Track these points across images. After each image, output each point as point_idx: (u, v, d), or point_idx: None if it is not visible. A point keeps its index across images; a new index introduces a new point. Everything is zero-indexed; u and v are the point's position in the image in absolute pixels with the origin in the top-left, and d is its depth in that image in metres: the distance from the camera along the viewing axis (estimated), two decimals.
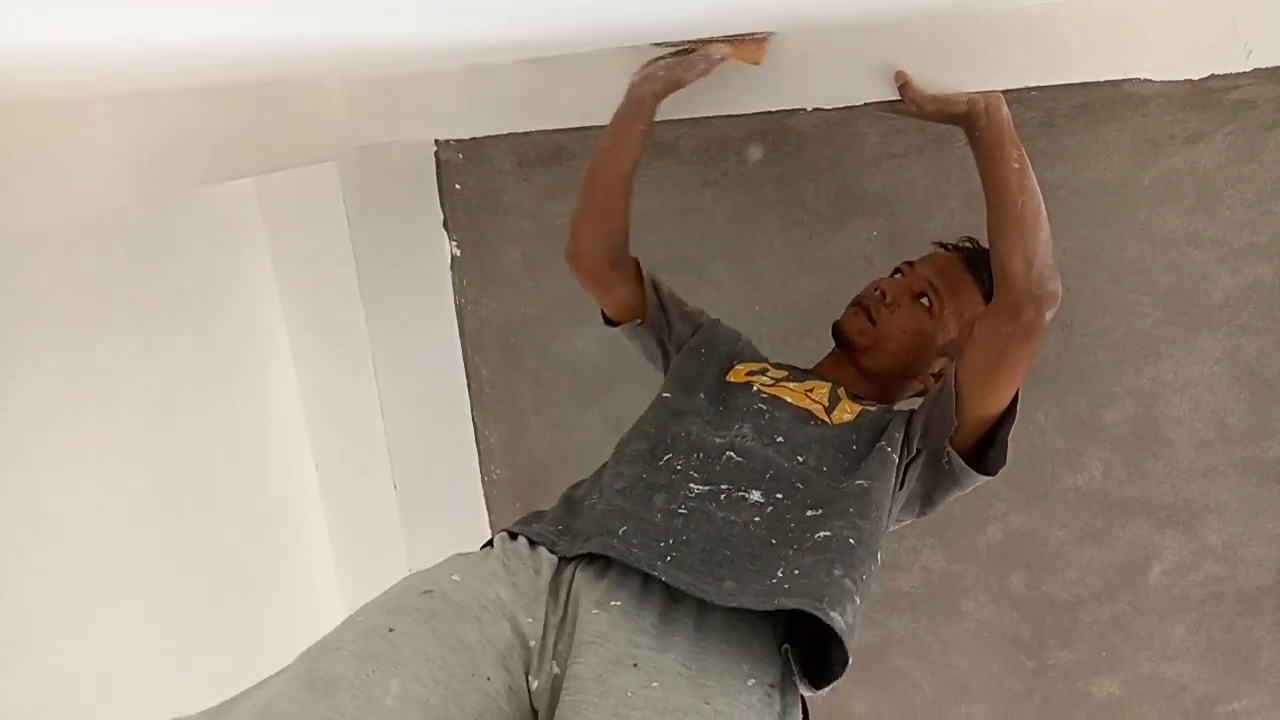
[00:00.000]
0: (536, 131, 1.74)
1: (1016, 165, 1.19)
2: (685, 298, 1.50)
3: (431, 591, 0.99)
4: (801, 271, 1.73)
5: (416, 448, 1.90)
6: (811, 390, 1.30)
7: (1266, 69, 1.35)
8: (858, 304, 1.39)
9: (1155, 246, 1.54)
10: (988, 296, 1.29)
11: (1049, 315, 1.16)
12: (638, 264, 1.44)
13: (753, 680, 0.96)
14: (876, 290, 1.38)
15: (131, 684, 1.51)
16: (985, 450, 1.22)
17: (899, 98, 1.32)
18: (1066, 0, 1.26)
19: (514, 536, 1.12)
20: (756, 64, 1.38)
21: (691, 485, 1.13)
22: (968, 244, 1.43)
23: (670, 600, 1.02)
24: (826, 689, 1.00)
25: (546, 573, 1.06)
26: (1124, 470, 1.66)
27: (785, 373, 1.36)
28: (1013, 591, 1.78)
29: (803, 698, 1.03)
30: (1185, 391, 1.59)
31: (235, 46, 0.84)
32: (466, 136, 1.83)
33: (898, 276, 1.40)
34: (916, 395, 1.41)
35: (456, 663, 0.92)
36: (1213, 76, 1.41)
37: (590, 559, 1.07)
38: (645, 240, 1.80)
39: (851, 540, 1.05)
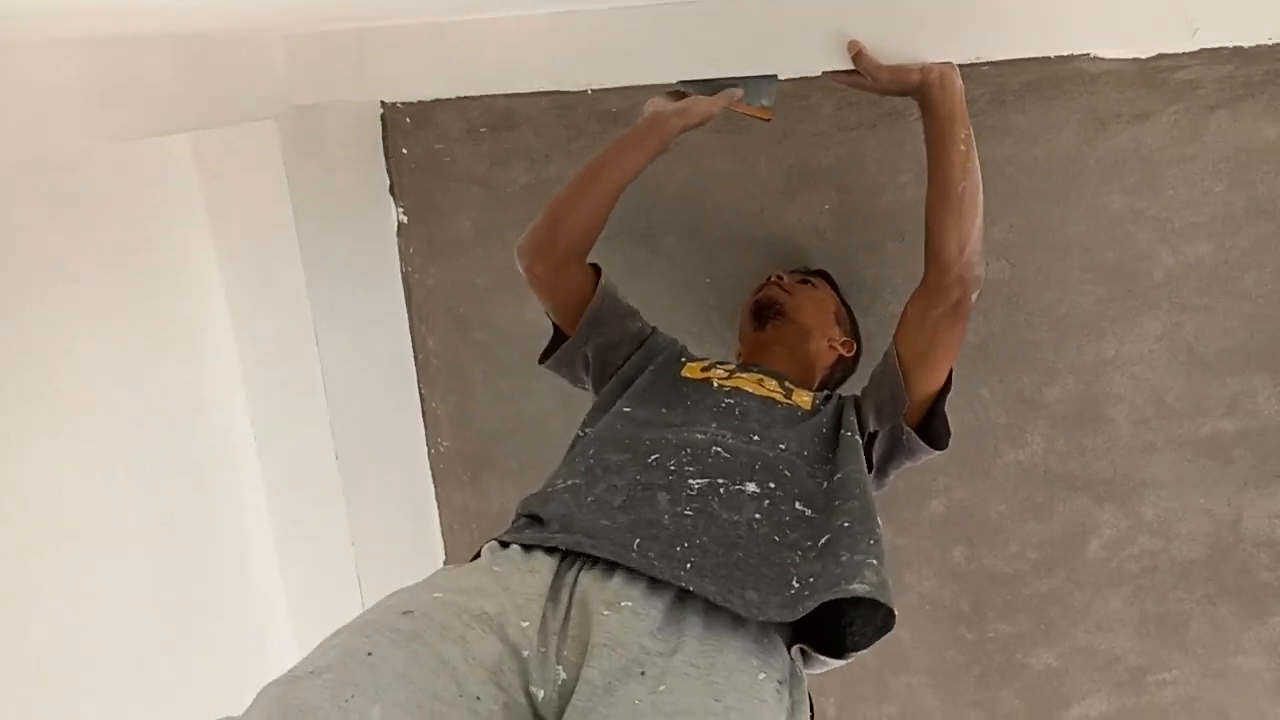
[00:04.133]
0: (487, 96, 1.70)
1: (963, 147, 1.22)
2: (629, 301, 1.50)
3: (411, 612, 0.94)
4: (753, 245, 1.72)
5: (360, 419, 1.86)
6: (761, 381, 1.35)
7: (1211, 49, 1.37)
8: (764, 286, 1.55)
9: (1100, 225, 1.56)
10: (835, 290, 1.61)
11: (974, 297, 1.25)
12: (595, 266, 1.45)
13: (763, 675, 0.95)
14: (770, 279, 1.56)
15: (63, 652, 1.46)
16: (930, 422, 1.30)
17: (853, 68, 1.31)
18: None
19: (505, 545, 1.08)
20: (767, 120, 1.43)
21: (690, 481, 1.13)
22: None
23: (678, 597, 1.01)
24: (866, 649, 1.03)
25: (545, 574, 1.02)
26: (1065, 446, 1.69)
27: (732, 365, 1.41)
28: (954, 565, 1.81)
29: (810, 696, 1.04)
30: (1126, 369, 1.62)
31: None
32: (414, 99, 1.78)
33: (772, 276, 1.57)
34: (826, 371, 1.54)
35: (440, 685, 0.88)
36: (1160, 56, 1.43)
37: (594, 559, 1.04)
38: None
39: (846, 524, 1.08)
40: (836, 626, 1.06)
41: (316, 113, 1.64)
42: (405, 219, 1.90)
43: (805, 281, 1.57)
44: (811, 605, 0.98)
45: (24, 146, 1.16)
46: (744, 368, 1.40)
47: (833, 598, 0.98)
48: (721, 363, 1.42)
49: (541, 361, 1.49)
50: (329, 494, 1.84)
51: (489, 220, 1.84)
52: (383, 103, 1.81)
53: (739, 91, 1.37)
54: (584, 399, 1.89)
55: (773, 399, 1.31)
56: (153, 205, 1.60)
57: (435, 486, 2.07)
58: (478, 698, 0.89)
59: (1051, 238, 1.59)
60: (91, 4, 0.87)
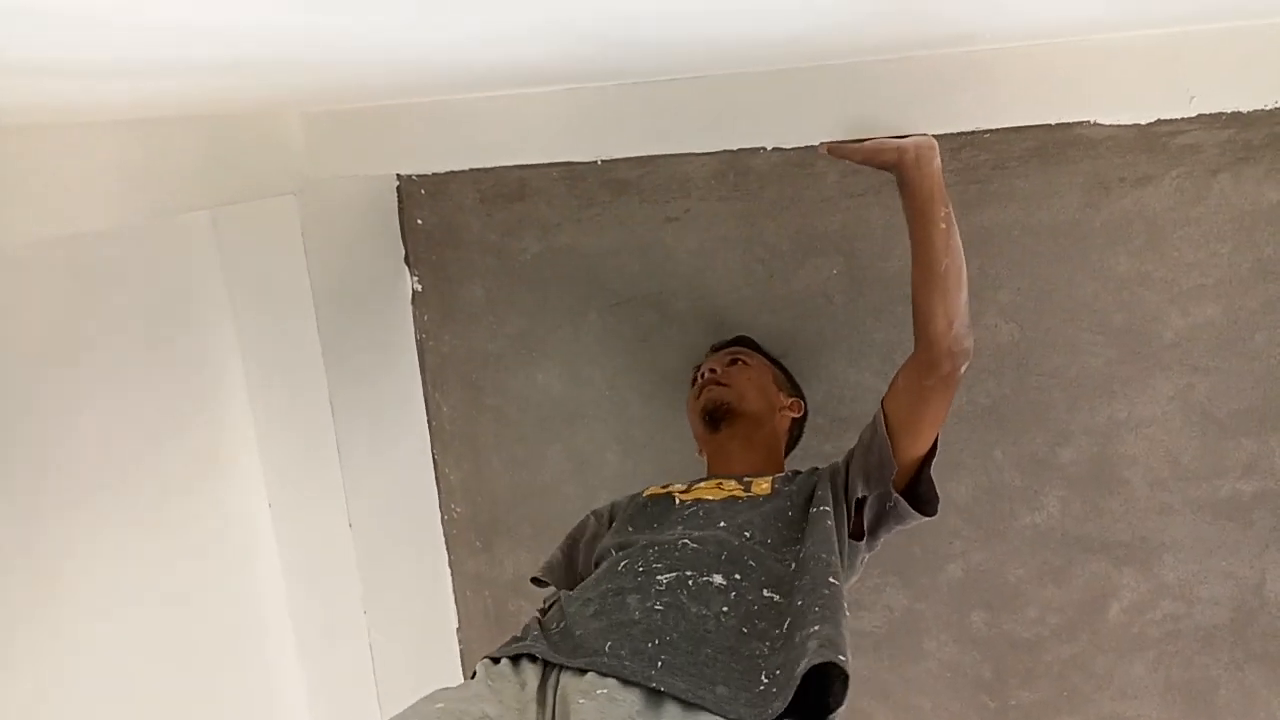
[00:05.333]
0: (499, 167, 1.75)
1: (944, 225, 1.22)
2: (573, 535, 1.51)
3: None
4: (763, 309, 1.74)
5: (374, 486, 1.86)
6: (720, 485, 1.39)
7: (1209, 115, 1.39)
8: (702, 388, 1.55)
9: (1108, 287, 1.57)
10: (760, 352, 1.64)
11: (964, 368, 1.26)
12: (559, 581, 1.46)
13: None
14: (702, 373, 1.57)
15: (83, 708, 1.45)
16: (916, 488, 1.31)
17: (839, 140, 1.33)
18: (1017, 44, 1.29)
19: (496, 661, 1.13)
20: None
21: (659, 577, 1.16)
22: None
23: (652, 689, 1.03)
24: (842, 707, 1.02)
25: (533, 683, 1.07)
26: (1081, 508, 1.67)
27: (686, 485, 1.45)
28: (974, 630, 1.78)
29: None
30: (1139, 430, 1.61)
31: (193, 75, 0.83)
32: (428, 171, 1.83)
33: (705, 371, 1.58)
34: (787, 438, 1.57)
35: None
36: (1159, 121, 1.45)
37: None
38: (606, 277, 1.81)
39: (800, 601, 1.11)
40: (822, 692, 1.05)
41: (334, 186, 1.68)
42: (420, 287, 1.93)
43: (735, 361, 1.58)
44: (780, 707, 0.98)
45: (45, 227, 1.20)
46: (699, 480, 1.44)
47: (792, 688, 0.98)
48: (679, 484, 1.46)
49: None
50: (343, 561, 1.84)
51: (502, 288, 1.87)
52: (398, 175, 1.86)
53: None
54: (598, 465, 1.91)
55: (734, 497, 1.34)
56: (172, 277, 1.64)
57: (448, 553, 2.07)
58: None
59: (1059, 300, 1.59)
60: (118, 96, 0.91)
